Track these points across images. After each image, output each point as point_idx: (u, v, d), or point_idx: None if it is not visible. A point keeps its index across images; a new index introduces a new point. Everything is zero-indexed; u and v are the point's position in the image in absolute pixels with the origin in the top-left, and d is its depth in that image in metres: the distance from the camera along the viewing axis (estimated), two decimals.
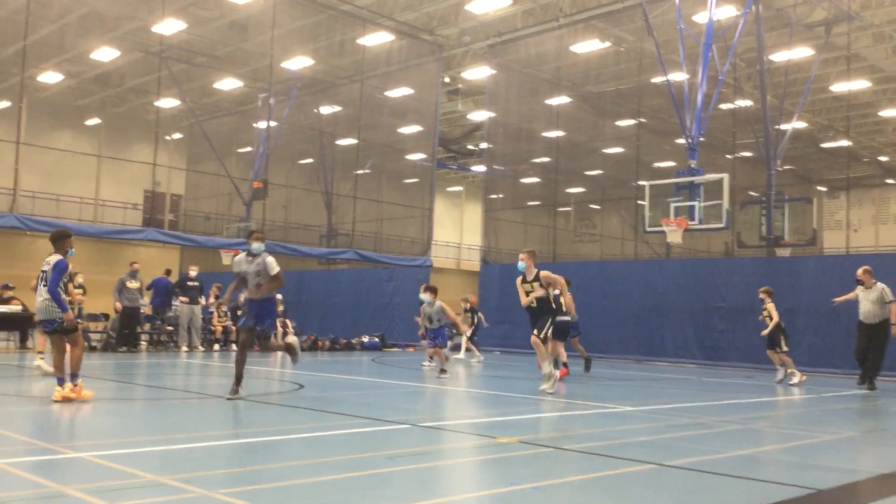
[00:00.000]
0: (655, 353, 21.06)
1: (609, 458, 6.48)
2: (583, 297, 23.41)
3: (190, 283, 19.82)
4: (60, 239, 9.19)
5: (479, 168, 37.47)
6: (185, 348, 19.47)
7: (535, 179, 33.17)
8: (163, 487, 4.83)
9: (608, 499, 5.12)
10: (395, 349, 23.64)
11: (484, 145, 31.41)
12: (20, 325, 18.45)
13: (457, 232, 48.54)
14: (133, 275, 18.79)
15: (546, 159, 30.66)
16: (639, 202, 24.34)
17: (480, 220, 28.44)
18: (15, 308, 18.39)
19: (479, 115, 32.08)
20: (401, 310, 25.84)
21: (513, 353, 23.04)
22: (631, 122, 28.85)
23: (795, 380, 14.16)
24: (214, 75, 29.59)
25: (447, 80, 30.14)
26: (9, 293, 18.67)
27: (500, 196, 29.36)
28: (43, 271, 9.04)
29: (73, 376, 9.00)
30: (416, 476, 5.69)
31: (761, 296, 14.67)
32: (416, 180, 31.48)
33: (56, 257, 9.05)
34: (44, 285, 8.92)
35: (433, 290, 14.65)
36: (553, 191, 29.58)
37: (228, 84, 30.07)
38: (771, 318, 14.32)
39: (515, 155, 29.76)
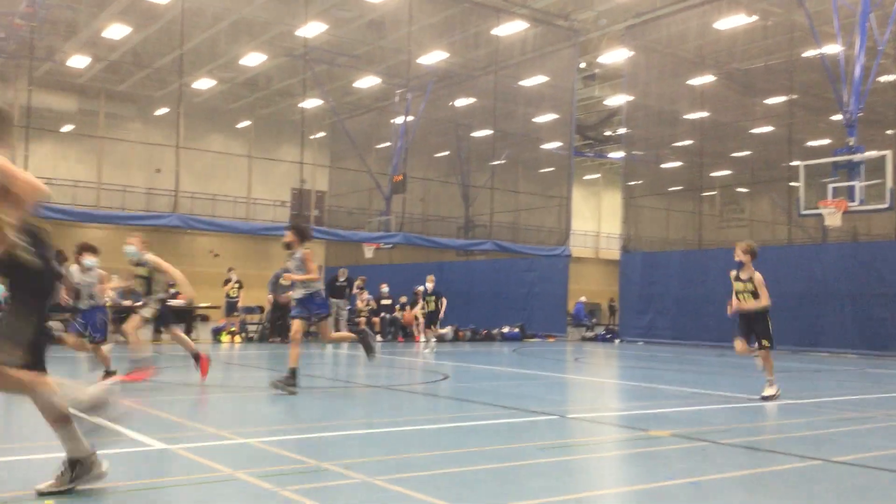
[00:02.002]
0: (811, 342, 19.90)
1: (769, 452, 6.18)
2: (728, 284, 22.50)
3: (338, 284, 20.48)
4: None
5: (618, 154, 36.66)
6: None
7: (677, 164, 32.07)
8: (325, 473, 5.02)
9: (769, 496, 4.87)
10: (536, 339, 23.55)
11: (622, 130, 30.66)
12: (186, 318, 19.71)
13: (595, 220, 47.76)
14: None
15: (689, 142, 29.58)
16: (791, 184, 23.04)
17: (620, 208, 27.83)
18: (179, 302, 19.67)
19: (617, 100, 31.35)
20: (540, 300, 25.73)
21: (657, 344, 22.44)
22: (781, 99, 27.32)
23: None
24: (354, 74, 30.46)
25: (583, 65, 29.64)
26: (174, 288, 19.98)
27: (640, 182, 28.59)
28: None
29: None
30: (567, 468, 5.63)
31: None
32: (552, 169, 31.18)
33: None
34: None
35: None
36: (697, 175, 28.50)
37: (367, 82, 30.86)
38: None
39: (656, 139, 28.87)
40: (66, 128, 32.86)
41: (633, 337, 23.79)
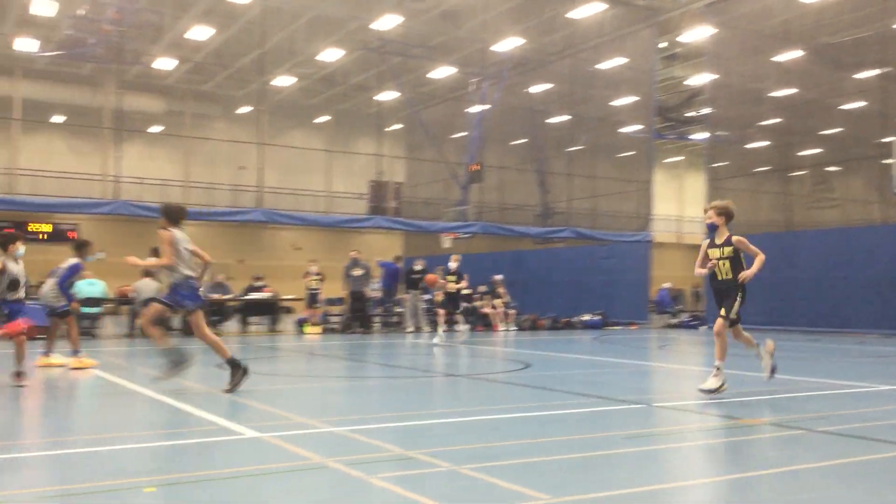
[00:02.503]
0: None
1: (869, 440, 5.93)
2: (819, 267, 21.65)
3: (414, 276, 20.62)
4: (83, 247, 11.26)
5: (701, 135, 35.72)
6: (410, 329, 20.37)
7: (763, 143, 31.02)
8: (412, 461, 5.08)
9: (867, 486, 4.67)
10: (617, 327, 23.23)
11: (705, 111, 29.84)
12: (271, 310, 20.25)
13: (677, 204, 46.69)
14: (355, 262, 19.95)
15: (776, 121, 28.57)
16: (884, 161, 22.02)
17: (703, 191, 27.13)
18: (266, 295, 20.21)
19: (699, 80, 30.53)
20: (621, 287, 25.34)
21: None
22: (873, 72, 26.09)
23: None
24: (429, 65, 30.55)
25: (663, 45, 28.96)
26: (260, 282, 20.56)
27: (725, 164, 27.80)
28: (59, 267, 11.07)
29: (76, 352, 10.75)
30: (655, 457, 5.54)
31: None
32: (632, 153, 30.62)
33: (74, 260, 10.99)
34: (55, 279, 10.98)
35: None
36: (784, 154, 27.52)
37: (442, 72, 30.93)
38: None
39: (741, 118, 27.98)
40: (155, 129, 34.07)
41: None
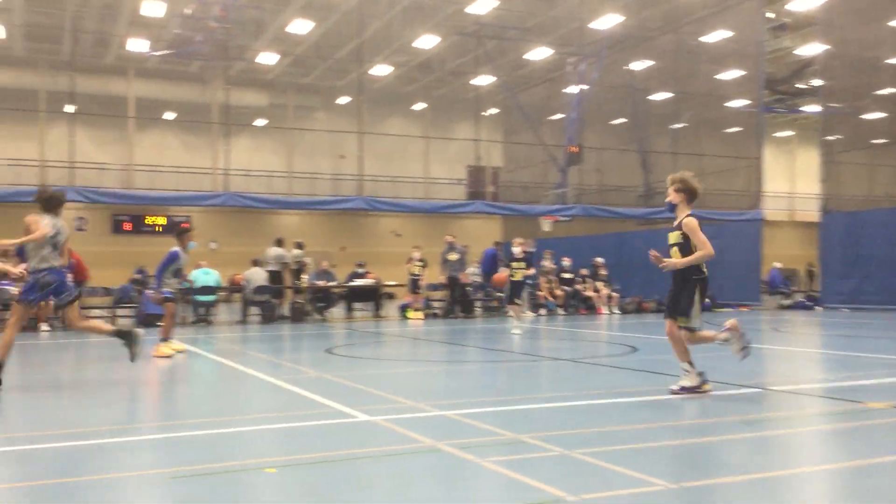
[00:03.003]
0: None
1: None
2: None
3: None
4: (182, 234, 11.30)
5: (813, 108, 34.06)
6: (512, 314, 20.22)
7: (880, 114, 29.33)
8: (523, 445, 5.06)
9: None
10: (727, 309, 22.50)
11: (817, 82, 28.42)
12: (374, 296, 20.61)
13: (789, 181, 44.74)
14: (451, 247, 20.00)
15: (894, 90, 26.95)
16: None
17: (817, 166, 25.89)
18: (370, 281, 20.58)
19: (810, 50, 29.07)
20: (730, 268, 24.47)
21: (863, 310, 20.76)
22: None
23: None
24: (525, 47, 30.25)
25: (770, 15, 27.70)
26: (363, 269, 20.94)
27: (840, 137, 26.43)
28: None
29: (164, 339, 10.97)
30: (773, 443, 5.33)
31: None
32: (739, 129, 29.51)
33: (174, 248, 11.10)
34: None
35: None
36: None
37: (539, 53, 30.56)
38: None
39: (856, 89, 26.52)
40: (259, 122, 35.13)
41: (835, 303, 22.15)
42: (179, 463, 4.89)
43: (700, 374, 7.07)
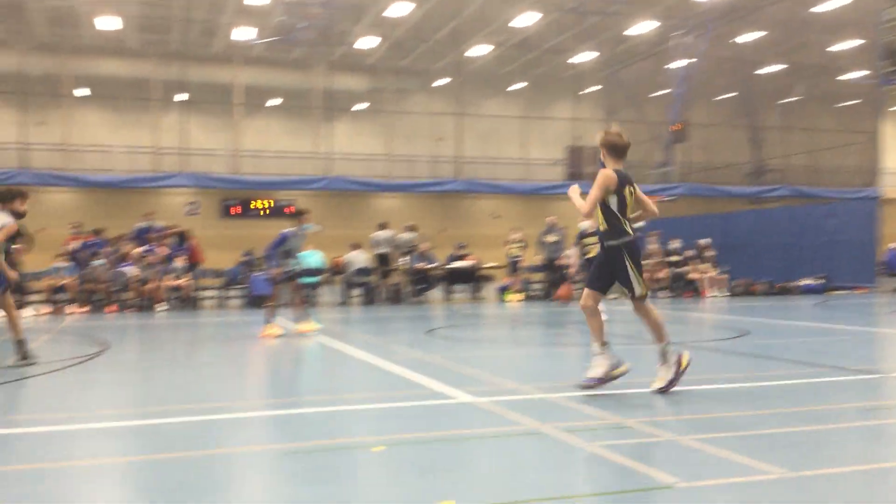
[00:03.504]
0: None
1: None
2: None
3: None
4: (300, 215, 11.47)
5: None
6: (613, 296, 19.78)
7: None
8: (630, 431, 4.95)
9: None
10: (841, 291, 21.44)
11: None
12: (473, 278, 20.64)
13: None
14: (551, 228, 19.77)
15: None
16: None
17: None
18: (469, 263, 20.63)
19: None
20: (844, 249, 23.30)
21: None
22: None
23: None
24: (627, 21, 29.48)
25: None
26: (463, 251, 21.00)
27: None
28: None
29: (267, 320, 11.18)
30: (894, 432, 5.03)
31: None
32: (855, 102, 27.94)
33: (287, 229, 11.29)
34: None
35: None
36: None
37: (642, 27, 29.72)
38: None
39: None
40: (360, 106, 35.65)
41: None
42: (290, 439, 5.03)
43: (612, 357, 6.34)
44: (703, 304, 18.16)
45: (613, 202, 6.17)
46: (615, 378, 6.32)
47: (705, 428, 5.00)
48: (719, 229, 25.39)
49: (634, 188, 6.32)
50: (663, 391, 6.18)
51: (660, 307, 15.57)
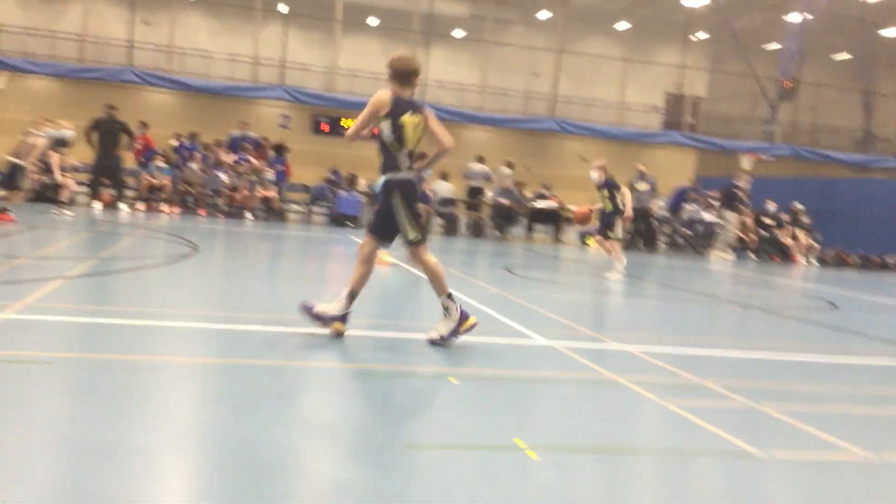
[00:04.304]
0: None
1: None
2: None
3: (737, 192, 19.34)
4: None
5: None
6: (724, 254, 19.07)
7: None
8: (707, 391, 4.87)
9: None
10: None
11: None
12: (555, 219, 20.44)
13: None
14: (642, 176, 19.28)
15: None
16: None
17: None
18: (552, 204, 20.41)
19: None
20: None
21: None
22: None
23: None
24: None
25: None
26: (547, 191, 20.76)
27: None
28: None
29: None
30: None
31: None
32: None
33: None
34: None
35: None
36: None
37: None
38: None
39: None
40: (458, 33, 35.14)
41: None
42: (361, 360, 5.13)
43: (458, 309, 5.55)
44: (793, 271, 17.58)
45: (386, 130, 5.47)
46: (465, 329, 5.54)
47: (786, 398, 4.87)
48: (818, 195, 24.34)
49: (425, 119, 5.58)
50: (435, 343, 5.51)
51: (747, 269, 15.16)
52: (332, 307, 5.47)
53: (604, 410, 4.34)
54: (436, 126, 5.69)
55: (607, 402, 4.49)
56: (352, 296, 5.50)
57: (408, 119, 5.48)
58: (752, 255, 19.84)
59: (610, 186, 11.82)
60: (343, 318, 5.48)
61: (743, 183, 19.38)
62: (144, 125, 18.23)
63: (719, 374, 5.42)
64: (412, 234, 5.60)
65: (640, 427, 4.16)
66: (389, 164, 5.55)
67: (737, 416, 4.38)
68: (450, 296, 5.56)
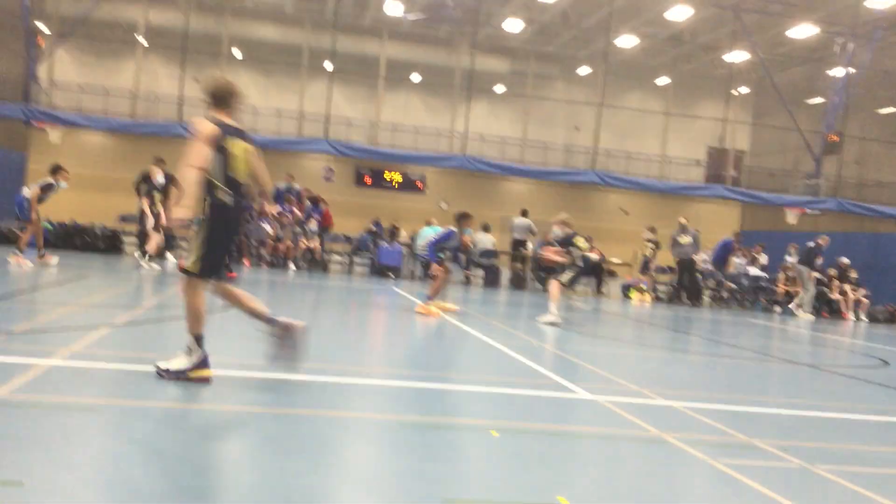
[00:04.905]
0: None
1: None
2: None
3: (815, 251, 19.06)
4: (463, 218, 11.64)
5: None
6: (807, 313, 18.61)
7: None
8: (757, 450, 4.72)
9: None
10: None
11: None
12: (597, 272, 20.27)
13: None
14: (683, 229, 19.10)
15: None
16: None
17: None
18: (593, 257, 20.26)
19: None
20: None
21: None
22: None
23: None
24: (788, 23, 27.99)
25: None
26: (589, 244, 20.65)
27: None
28: (441, 229, 11.74)
29: (429, 297, 11.09)
30: None
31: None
32: None
33: (451, 228, 11.53)
34: (424, 242, 11.59)
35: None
36: None
37: (803, 31, 28.16)
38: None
39: None
40: (499, 88, 35.59)
41: None
42: (405, 411, 5.09)
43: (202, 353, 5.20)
44: (842, 327, 17.15)
45: (210, 156, 5.18)
46: (197, 379, 5.15)
47: (841, 459, 4.70)
48: (866, 250, 23.87)
49: (248, 147, 5.40)
50: (159, 373, 5.13)
51: (795, 325, 14.76)
52: (183, 360, 5.14)
53: (650, 468, 4.23)
54: (257, 160, 5.50)
55: (654, 460, 4.38)
56: (198, 340, 5.16)
57: (234, 144, 5.29)
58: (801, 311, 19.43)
59: (568, 242, 11.77)
60: (203, 363, 5.16)
61: (822, 242, 19.16)
62: (160, 161, 18.73)
63: (769, 433, 5.26)
64: (189, 263, 5.21)
65: (689, 487, 4.04)
66: (206, 187, 5.18)
67: (789, 476, 4.23)
68: (199, 340, 5.16)
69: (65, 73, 30.64)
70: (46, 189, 12.93)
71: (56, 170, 13.11)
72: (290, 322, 5.47)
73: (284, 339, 5.44)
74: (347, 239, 21.59)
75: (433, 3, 28.54)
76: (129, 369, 5.39)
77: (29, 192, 12.94)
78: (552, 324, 11.04)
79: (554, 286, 11.60)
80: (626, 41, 31.05)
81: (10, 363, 5.07)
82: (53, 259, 13.11)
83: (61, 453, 3.47)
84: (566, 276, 11.78)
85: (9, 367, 4.95)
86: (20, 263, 12.31)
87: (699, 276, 19.71)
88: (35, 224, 12.96)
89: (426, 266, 11.57)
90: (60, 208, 18.81)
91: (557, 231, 11.95)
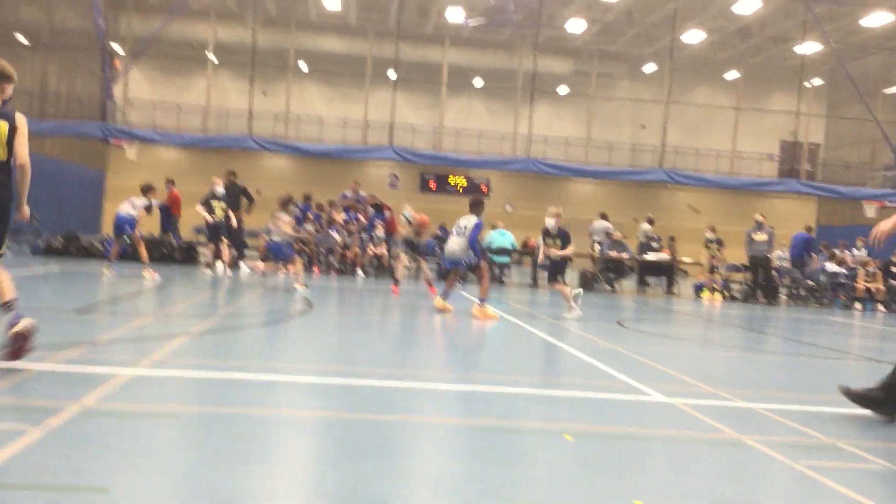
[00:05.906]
0: None
1: None
2: None
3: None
4: (478, 205, 11.32)
5: None
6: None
7: None
8: (841, 452, 4.57)
9: None
10: None
11: None
12: (668, 272, 19.95)
13: None
14: (759, 226, 18.60)
15: None
16: None
17: None
18: (663, 256, 19.96)
19: None
20: None
21: None
22: None
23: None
24: (861, 11, 27.08)
25: None
26: (658, 243, 20.35)
27: None
28: (462, 226, 11.18)
29: (482, 300, 10.78)
30: None
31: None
32: None
33: (475, 219, 11.10)
34: (463, 236, 11.05)
35: None
36: None
37: (877, 19, 27.19)
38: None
39: None
40: (562, 89, 35.38)
41: None
42: (475, 415, 5.10)
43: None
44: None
45: None
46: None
47: None
48: None
49: (13, 129, 5.22)
50: None
51: (875, 322, 14.32)
52: None
53: (729, 471, 4.13)
54: (22, 143, 5.26)
55: (732, 463, 4.28)
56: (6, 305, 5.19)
57: None
58: (881, 307, 18.72)
59: (564, 236, 11.73)
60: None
61: (552, 221, 18.56)
62: (171, 182, 19.41)
63: (852, 433, 5.09)
64: None
65: (769, 490, 3.93)
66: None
67: (873, 478, 4.09)
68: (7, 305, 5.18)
69: (139, 91, 31.75)
70: (148, 209, 13.78)
71: (148, 189, 13.82)
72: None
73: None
74: (413, 245, 21.71)
75: (494, 7, 28.56)
76: (207, 377, 5.55)
77: (134, 211, 13.64)
78: (576, 318, 11.31)
79: (562, 287, 11.74)
80: (693, 36, 30.52)
81: (95, 373, 5.28)
82: (153, 273, 13.50)
83: (145, 460, 3.59)
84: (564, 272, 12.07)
85: (94, 377, 5.15)
86: (153, 277, 13.00)
87: (775, 273, 19.19)
88: (139, 241, 13.75)
89: (473, 268, 11.38)
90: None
91: (553, 223, 11.84)
